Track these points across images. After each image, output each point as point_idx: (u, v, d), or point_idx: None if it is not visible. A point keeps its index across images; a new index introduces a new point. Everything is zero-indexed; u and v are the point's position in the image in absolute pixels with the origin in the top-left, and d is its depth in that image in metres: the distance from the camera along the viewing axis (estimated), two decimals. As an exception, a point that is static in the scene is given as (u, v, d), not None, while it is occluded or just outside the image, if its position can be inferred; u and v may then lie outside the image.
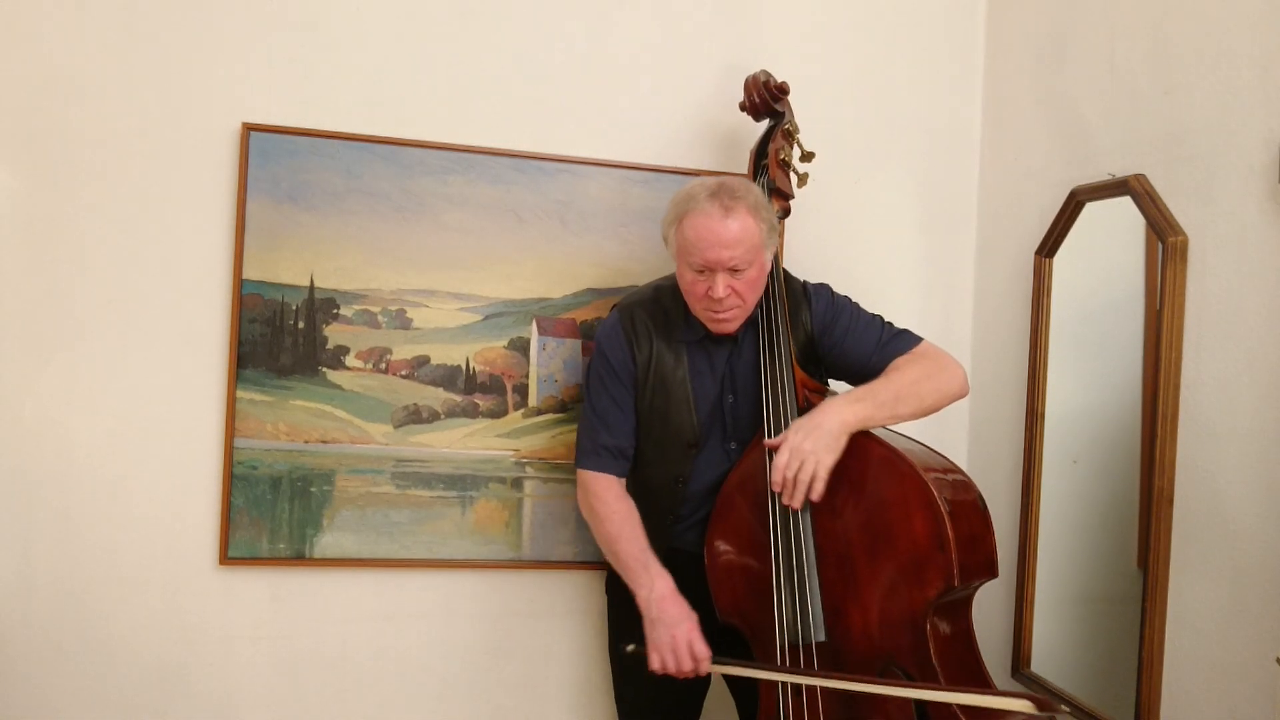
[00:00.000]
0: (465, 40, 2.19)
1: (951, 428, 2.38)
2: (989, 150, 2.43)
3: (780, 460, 1.69)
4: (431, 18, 2.18)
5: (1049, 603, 2.10)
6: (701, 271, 1.75)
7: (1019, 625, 2.15)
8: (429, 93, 2.18)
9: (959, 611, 1.73)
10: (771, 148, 2.00)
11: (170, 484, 2.09)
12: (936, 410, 1.83)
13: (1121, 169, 1.93)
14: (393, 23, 2.16)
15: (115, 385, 2.06)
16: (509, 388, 2.22)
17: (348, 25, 2.14)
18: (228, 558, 2.10)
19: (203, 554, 2.11)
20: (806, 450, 1.67)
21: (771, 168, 1.98)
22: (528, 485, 2.23)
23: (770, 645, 1.74)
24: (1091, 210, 2.01)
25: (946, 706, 1.61)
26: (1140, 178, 1.87)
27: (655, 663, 1.73)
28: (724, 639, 1.84)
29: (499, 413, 2.22)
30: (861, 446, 1.72)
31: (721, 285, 1.74)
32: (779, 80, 2.05)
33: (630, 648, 1.78)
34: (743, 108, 2.09)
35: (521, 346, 2.22)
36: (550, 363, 2.24)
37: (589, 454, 1.90)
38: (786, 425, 1.77)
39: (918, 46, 2.41)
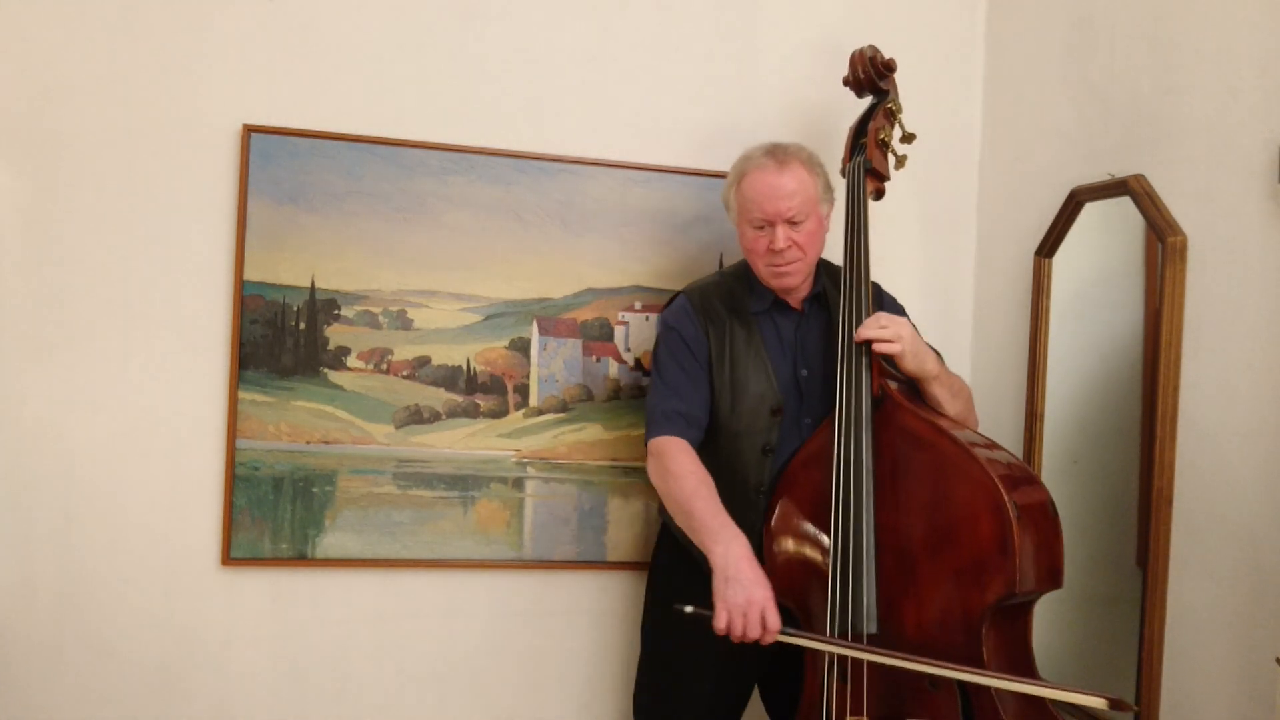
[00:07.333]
0: (465, 40, 2.19)
1: (952, 427, 2.39)
2: (989, 150, 2.43)
3: (880, 320, 1.76)
4: (431, 18, 2.18)
5: (1048, 602, 2.10)
6: (761, 227, 1.85)
7: (1019, 624, 2.15)
8: (429, 93, 2.18)
9: (1018, 619, 1.68)
10: (871, 126, 1.94)
11: (172, 485, 2.09)
12: None
13: (1121, 169, 1.93)
14: (393, 23, 2.16)
15: (116, 386, 2.07)
16: (510, 388, 2.22)
17: (348, 25, 2.14)
18: (230, 558, 2.10)
19: (205, 555, 2.11)
20: (905, 333, 1.75)
21: (870, 147, 1.93)
22: (529, 485, 2.23)
23: (820, 632, 1.72)
24: (1091, 210, 2.01)
25: (993, 707, 1.57)
26: (1140, 178, 1.87)
27: (722, 621, 1.62)
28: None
29: (500, 413, 2.22)
30: (931, 439, 1.70)
31: (782, 236, 1.82)
32: (886, 56, 1.98)
33: (689, 609, 1.63)
34: (846, 82, 2.03)
35: (522, 347, 2.23)
36: (551, 363, 2.24)
37: (659, 422, 1.86)
38: (857, 406, 1.76)
39: (918, 46, 2.41)
